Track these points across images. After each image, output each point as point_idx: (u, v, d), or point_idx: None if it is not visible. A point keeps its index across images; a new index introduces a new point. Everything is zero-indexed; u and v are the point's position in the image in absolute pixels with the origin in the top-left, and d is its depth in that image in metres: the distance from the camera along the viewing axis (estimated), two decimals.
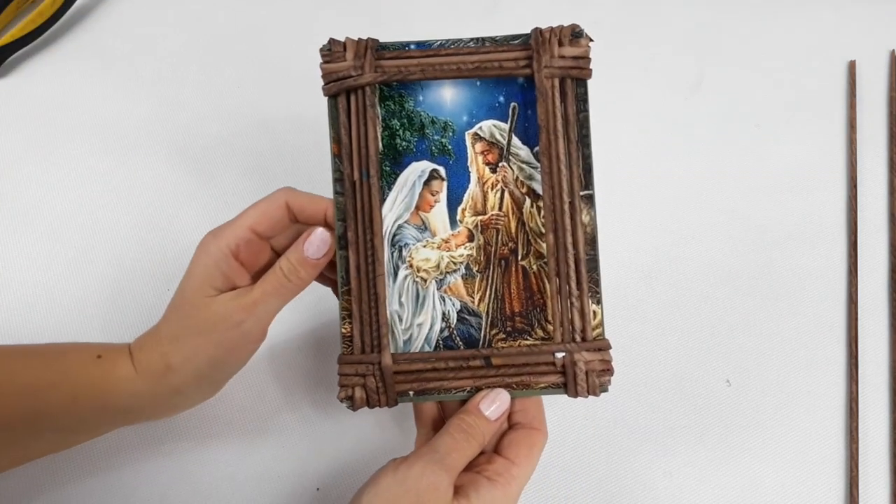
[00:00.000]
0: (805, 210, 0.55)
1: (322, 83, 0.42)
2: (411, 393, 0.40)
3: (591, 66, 0.42)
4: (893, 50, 0.61)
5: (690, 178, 0.56)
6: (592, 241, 0.41)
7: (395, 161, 0.42)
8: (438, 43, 0.42)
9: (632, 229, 0.54)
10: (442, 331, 0.41)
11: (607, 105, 0.60)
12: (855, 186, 0.55)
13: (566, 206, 0.41)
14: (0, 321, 0.52)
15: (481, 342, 0.41)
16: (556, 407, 0.48)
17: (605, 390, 0.41)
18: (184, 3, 0.65)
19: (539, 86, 0.41)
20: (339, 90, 0.42)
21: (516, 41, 0.42)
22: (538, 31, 0.42)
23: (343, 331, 0.41)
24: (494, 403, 0.40)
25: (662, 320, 0.51)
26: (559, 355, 0.40)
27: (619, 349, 0.50)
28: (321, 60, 0.42)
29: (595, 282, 0.41)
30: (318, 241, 0.41)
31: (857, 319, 0.51)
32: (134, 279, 0.53)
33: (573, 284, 0.41)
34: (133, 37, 0.63)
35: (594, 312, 0.41)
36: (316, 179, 0.56)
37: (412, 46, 0.42)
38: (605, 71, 0.62)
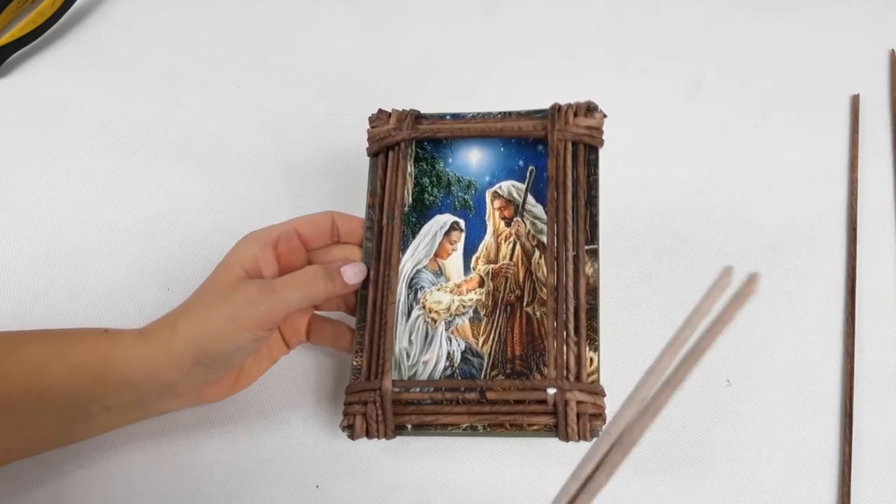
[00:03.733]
0: (805, 210, 0.55)
1: (366, 145, 0.48)
2: (409, 426, 0.42)
3: (603, 137, 0.46)
4: (893, 50, 0.61)
5: (690, 177, 0.56)
6: (594, 292, 0.44)
7: (421, 213, 0.46)
8: (471, 115, 0.48)
9: (632, 228, 0.54)
10: (445, 369, 0.43)
11: (607, 105, 0.60)
12: (855, 186, 0.55)
13: (570, 255, 0.44)
14: (0, 321, 0.52)
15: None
16: None
17: (597, 435, 0.41)
18: (184, 3, 0.65)
19: (551, 144, 0.46)
20: (379, 149, 0.48)
21: (538, 114, 0.47)
22: (557, 106, 0.47)
23: (354, 363, 0.44)
24: (356, 268, 0.44)
25: (662, 320, 0.51)
26: (551, 391, 0.41)
27: (619, 349, 0.50)
28: (369, 126, 0.49)
29: (594, 330, 0.43)
30: (357, 269, 0.45)
31: (854, 319, 0.50)
32: (134, 279, 0.53)
33: (571, 329, 0.43)
34: (133, 37, 0.63)
35: (591, 359, 0.42)
36: (314, 179, 0.56)
37: (448, 117, 0.48)
38: (606, 71, 0.62)
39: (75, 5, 0.64)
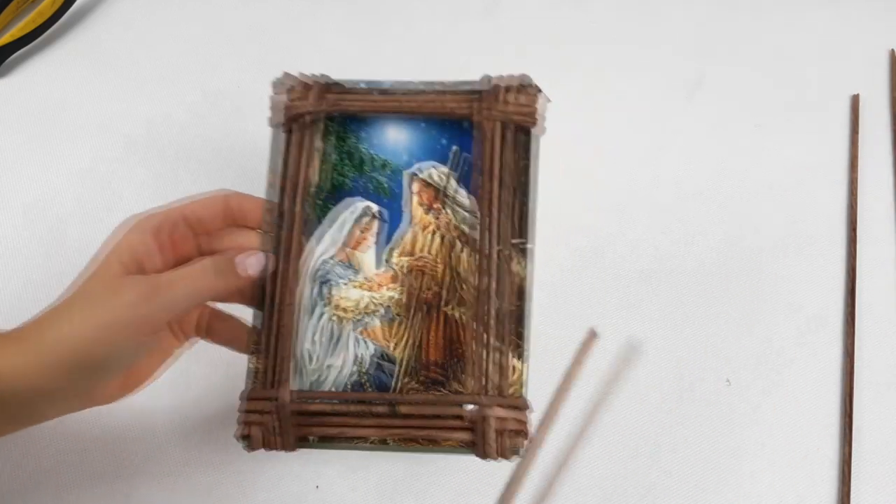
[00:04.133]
0: (805, 210, 0.55)
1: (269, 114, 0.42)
2: (312, 439, 0.38)
3: (539, 118, 0.41)
4: (893, 50, 0.61)
5: (690, 177, 0.56)
6: (521, 294, 0.39)
7: (330, 196, 0.41)
8: (390, 83, 0.42)
9: (631, 229, 0.54)
10: (353, 374, 0.39)
11: (607, 105, 0.60)
12: (855, 186, 0.55)
13: (495, 254, 0.39)
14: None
15: (392, 390, 0.39)
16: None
17: (518, 454, 0.38)
18: (184, 3, 0.65)
19: (478, 127, 0.41)
20: (282, 120, 0.42)
21: (466, 87, 0.42)
22: (487, 79, 0.42)
23: (250, 365, 0.40)
24: (253, 258, 0.39)
25: (662, 320, 0.51)
26: (469, 407, 0.38)
27: (619, 349, 0.50)
28: (272, 92, 0.42)
29: (520, 336, 0.39)
30: (255, 260, 0.39)
31: (854, 319, 0.50)
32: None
33: (493, 336, 0.39)
34: (133, 37, 0.63)
35: (514, 368, 0.39)
36: None
37: (362, 85, 0.42)
38: (606, 71, 0.62)
39: (75, 5, 0.64)
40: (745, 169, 0.56)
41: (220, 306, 0.43)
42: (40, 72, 0.61)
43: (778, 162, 0.56)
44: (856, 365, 0.49)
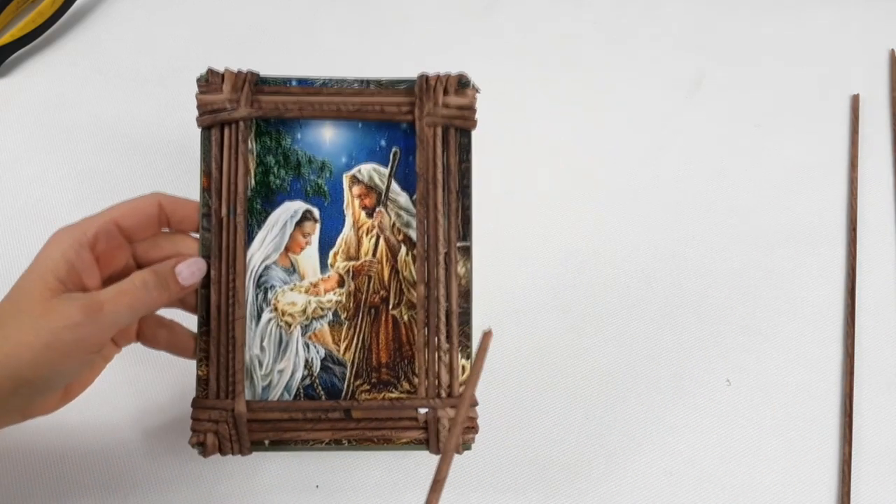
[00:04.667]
0: (805, 210, 0.55)
1: (196, 113, 0.41)
2: (266, 442, 0.39)
3: (477, 118, 0.41)
4: (893, 50, 0.61)
5: (690, 177, 0.56)
6: (466, 295, 0.40)
7: (267, 199, 0.40)
8: (322, 81, 0.41)
9: (631, 229, 0.54)
10: (303, 378, 0.39)
11: (607, 105, 0.60)
12: (855, 186, 0.55)
13: (441, 257, 0.40)
14: None
15: (344, 392, 0.40)
16: (555, 406, 0.48)
17: (469, 448, 0.40)
18: (184, 3, 0.65)
19: (420, 134, 0.40)
20: (212, 122, 0.40)
21: (402, 86, 0.41)
22: (423, 79, 0.41)
23: (199, 373, 0.40)
24: (194, 266, 0.38)
25: (662, 320, 0.51)
26: (422, 411, 0.39)
27: (619, 349, 0.50)
28: (197, 90, 0.41)
29: (466, 336, 0.40)
30: (194, 267, 0.39)
31: (854, 319, 0.50)
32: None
33: (443, 338, 0.39)
34: (133, 37, 0.63)
35: (463, 367, 0.40)
36: None
37: (294, 83, 0.41)
38: (606, 71, 0.62)
39: (75, 5, 0.64)
40: (745, 169, 0.56)
41: (160, 312, 0.42)
42: (40, 72, 0.61)
43: (778, 162, 0.56)
44: (856, 365, 0.49)
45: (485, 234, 0.54)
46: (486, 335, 0.27)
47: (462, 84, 0.41)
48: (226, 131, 0.40)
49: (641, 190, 0.56)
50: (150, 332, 0.41)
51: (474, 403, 0.40)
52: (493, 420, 0.47)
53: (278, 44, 0.63)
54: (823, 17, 0.63)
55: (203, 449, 0.39)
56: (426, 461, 0.47)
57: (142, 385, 0.48)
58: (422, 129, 0.40)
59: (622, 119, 0.59)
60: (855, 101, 0.58)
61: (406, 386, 0.39)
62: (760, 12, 0.63)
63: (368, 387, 0.39)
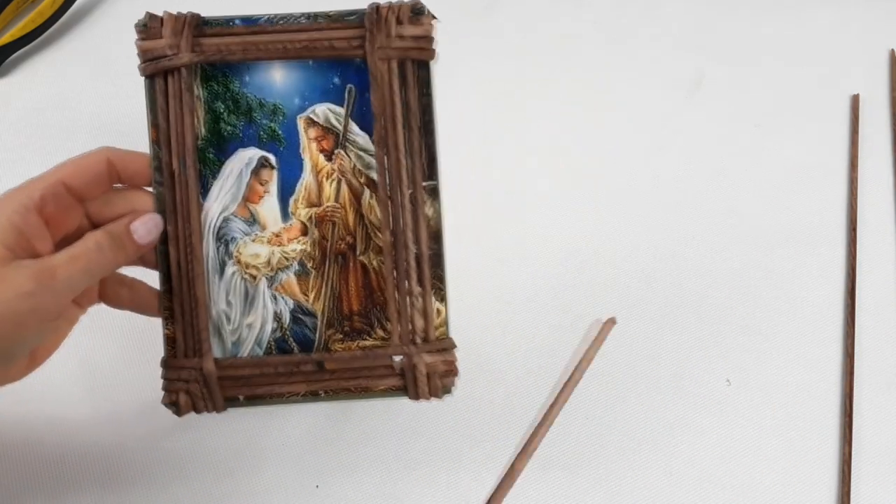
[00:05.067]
0: (805, 210, 0.55)
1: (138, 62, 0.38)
2: (241, 398, 0.38)
3: (435, 47, 0.38)
4: (893, 50, 0.61)
5: (690, 177, 0.56)
6: (437, 236, 0.38)
7: (219, 148, 0.38)
8: (266, 18, 0.38)
9: (631, 229, 0.54)
10: (274, 331, 0.38)
11: (607, 105, 0.60)
12: (855, 186, 0.55)
13: (406, 200, 0.38)
14: None
15: (316, 343, 0.38)
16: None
17: (449, 392, 0.39)
18: (184, 3, 0.65)
19: (372, 69, 0.37)
20: (155, 71, 0.38)
21: (352, 17, 0.38)
22: (375, 8, 0.38)
23: (166, 332, 0.39)
24: (150, 223, 0.37)
25: (662, 320, 0.51)
26: (397, 359, 0.38)
27: (619, 349, 0.50)
28: (137, 37, 0.38)
29: (439, 278, 0.38)
30: (150, 224, 0.37)
31: (854, 319, 0.50)
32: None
33: (414, 282, 0.38)
34: (133, 37, 0.63)
35: (438, 311, 0.38)
36: None
37: (237, 22, 0.38)
38: (606, 71, 0.62)
39: (75, 5, 0.64)
40: (745, 169, 0.56)
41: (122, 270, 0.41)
42: (40, 72, 0.61)
43: (778, 162, 0.57)
44: (856, 365, 0.49)
45: (484, 234, 0.54)
46: (609, 323, 0.27)
47: (416, 12, 0.38)
48: (169, 79, 0.38)
49: (641, 190, 0.56)
50: (112, 291, 0.40)
51: (454, 346, 0.39)
52: (493, 420, 0.47)
53: None
54: (823, 17, 0.63)
55: (177, 408, 0.38)
56: (425, 464, 0.47)
57: (142, 383, 0.48)
58: (374, 64, 0.37)
59: (622, 119, 0.59)
60: (855, 101, 0.58)
61: (380, 333, 0.38)
62: (760, 12, 0.63)
63: (341, 336, 0.38)
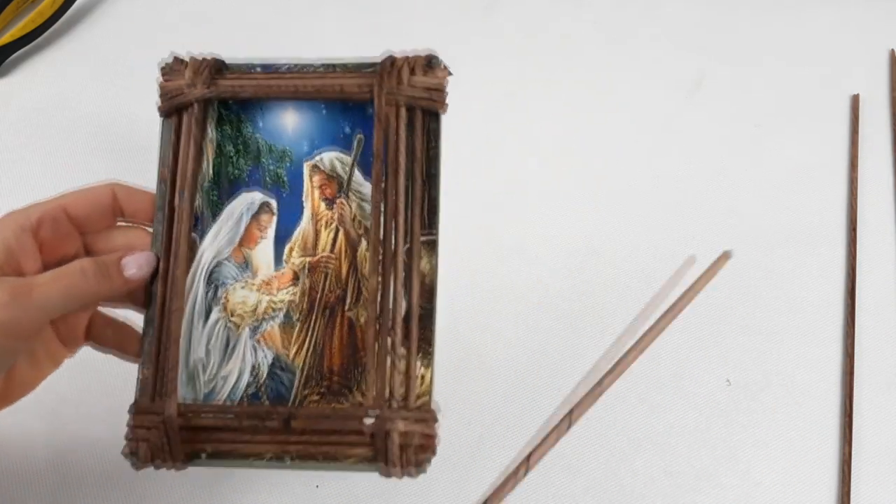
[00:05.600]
0: (805, 210, 0.55)
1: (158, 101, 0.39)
2: (204, 455, 0.35)
3: (448, 101, 0.37)
4: (893, 50, 0.61)
5: (690, 177, 0.56)
6: (430, 294, 0.36)
7: (224, 190, 0.38)
8: (287, 66, 0.38)
9: (631, 229, 0.54)
10: (249, 385, 0.36)
11: (607, 105, 0.60)
12: (855, 186, 0.55)
13: (400, 250, 0.36)
14: None
15: (290, 402, 0.36)
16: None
17: (424, 471, 0.35)
18: (184, 3, 0.65)
19: (378, 110, 0.36)
20: (170, 108, 0.38)
21: (368, 68, 0.38)
22: (391, 59, 0.37)
23: (140, 375, 0.36)
24: (142, 259, 0.36)
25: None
26: (368, 421, 0.34)
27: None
28: (160, 78, 0.39)
29: (428, 340, 0.35)
30: (142, 260, 0.36)
31: (854, 319, 0.50)
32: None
33: (398, 341, 0.35)
34: (133, 37, 0.63)
35: (422, 376, 0.35)
36: None
37: (258, 68, 0.38)
38: (606, 71, 0.62)
39: (75, 5, 0.64)
40: (745, 169, 0.56)
41: (112, 311, 0.40)
42: (40, 72, 0.61)
43: (778, 162, 0.56)
44: (856, 365, 0.49)
45: (485, 233, 0.54)
46: (724, 256, 0.25)
47: (431, 64, 0.37)
48: (183, 116, 0.38)
49: (641, 190, 0.56)
50: (98, 330, 0.39)
51: (436, 420, 0.35)
52: (493, 420, 0.47)
53: (279, 44, 0.63)
54: (823, 17, 0.63)
55: (136, 459, 0.35)
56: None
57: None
58: (380, 107, 0.36)
59: (622, 119, 0.59)
60: (855, 101, 0.58)
61: (358, 398, 0.35)
62: (760, 12, 0.63)
63: (318, 396, 0.36)
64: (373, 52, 0.63)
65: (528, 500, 0.46)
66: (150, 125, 0.59)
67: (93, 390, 0.48)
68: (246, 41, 0.63)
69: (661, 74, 0.60)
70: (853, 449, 0.47)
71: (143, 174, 0.57)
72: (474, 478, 0.46)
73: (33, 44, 0.62)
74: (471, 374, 0.49)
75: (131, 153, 0.58)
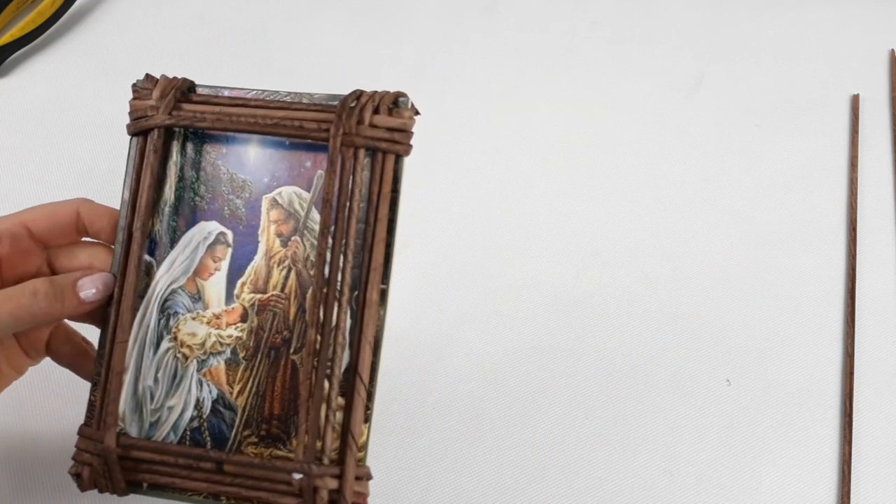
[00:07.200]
0: (805, 210, 0.55)
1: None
2: (144, 485, 0.35)
3: (411, 142, 0.35)
4: (893, 50, 0.61)
5: (690, 177, 0.56)
6: (375, 346, 0.34)
7: (185, 217, 0.37)
8: (254, 92, 0.37)
9: (632, 229, 0.54)
10: (192, 420, 0.35)
11: (607, 105, 0.60)
12: (855, 186, 0.55)
13: (345, 299, 0.34)
14: None
15: (230, 442, 0.35)
16: (555, 406, 0.48)
17: None
18: (184, 3, 0.65)
19: (331, 153, 0.34)
20: (136, 130, 0.37)
21: (335, 102, 0.36)
22: (357, 94, 0.36)
23: (91, 397, 0.36)
24: (99, 281, 0.35)
25: (662, 320, 0.51)
26: (297, 476, 0.33)
27: (619, 348, 0.50)
28: (132, 96, 0.38)
29: (368, 394, 0.34)
30: (98, 282, 0.36)
31: (854, 319, 0.50)
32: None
33: (335, 392, 0.34)
34: (133, 37, 0.63)
35: (359, 431, 0.34)
36: None
37: (225, 93, 0.37)
38: (606, 70, 0.62)
39: (75, 5, 0.64)
40: (745, 169, 0.56)
41: (78, 326, 0.40)
42: (40, 72, 0.61)
43: (778, 162, 0.57)
44: (856, 365, 0.49)
45: (485, 234, 0.54)
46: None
47: (398, 104, 0.35)
48: (150, 140, 0.37)
49: (641, 190, 0.56)
50: (57, 345, 0.39)
51: (369, 477, 0.34)
52: (493, 420, 0.47)
53: (279, 44, 0.63)
54: (823, 17, 0.63)
55: (80, 482, 0.35)
56: (423, 465, 0.47)
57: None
58: (334, 149, 0.34)
59: (622, 119, 0.59)
60: (855, 101, 0.58)
61: (296, 444, 0.34)
62: (760, 12, 0.63)
63: (256, 439, 0.35)
64: (374, 51, 0.64)
65: (529, 499, 0.46)
66: None
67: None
68: (245, 41, 0.63)
69: (661, 74, 0.60)
70: (853, 449, 0.47)
71: None
72: (472, 477, 0.46)
73: (33, 44, 0.62)
74: (471, 375, 0.49)
75: None
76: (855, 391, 0.48)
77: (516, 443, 0.47)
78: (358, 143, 0.34)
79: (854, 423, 0.47)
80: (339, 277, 0.34)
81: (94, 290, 0.35)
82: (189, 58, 0.62)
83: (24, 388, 0.46)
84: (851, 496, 0.45)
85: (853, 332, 0.50)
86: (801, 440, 0.47)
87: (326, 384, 0.34)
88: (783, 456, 0.47)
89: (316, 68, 0.62)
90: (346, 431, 0.34)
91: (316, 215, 0.36)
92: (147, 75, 0.38)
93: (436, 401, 0.48)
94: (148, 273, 0.37)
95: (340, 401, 0.34)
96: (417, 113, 0.36)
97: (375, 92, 0.35)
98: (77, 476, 0.35)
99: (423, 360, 0.49)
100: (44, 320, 0.35)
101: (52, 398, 0.47)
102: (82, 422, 0.36)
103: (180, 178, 0.37)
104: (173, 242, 0.37)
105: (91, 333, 0.39)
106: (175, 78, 0.37)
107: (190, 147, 0.37)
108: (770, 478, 0.46)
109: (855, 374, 0.49)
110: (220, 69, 0.62)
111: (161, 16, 0.64)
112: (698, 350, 0.50)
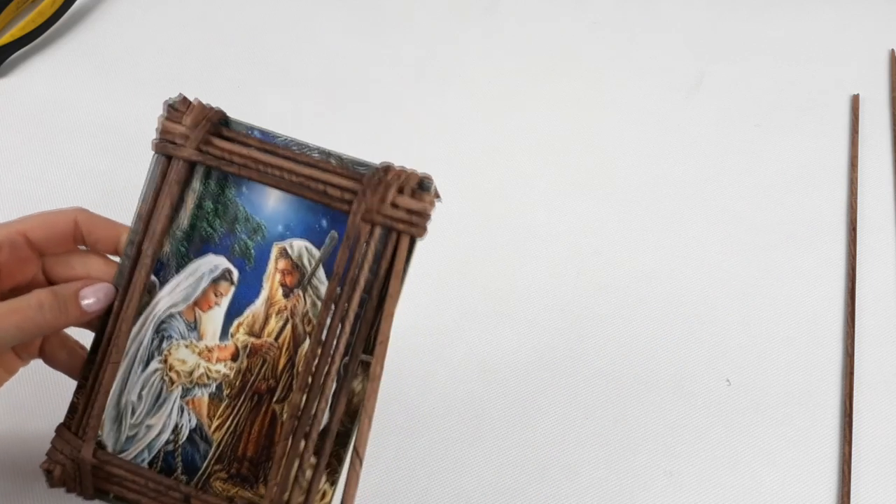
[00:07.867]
0: (805, 210, 0.55)
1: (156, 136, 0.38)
2: (111, 496, 0.36)
3: (428, 226, 0.35)
4: (893, 50, 0.61)
5: (690, 177, 0.56)
6: (354, 414, 0.35)
7: (195, 245, 0.37)
8: (284, 140, 0.37)
9: (632, 229, 0.54)
10: (168, 443, 0.36)
11: (607, 105, 0.60)
12: (855, 186, 0.55)
13: (334, 368, 0.35)
14: None
15: (200, 472, 0.36)
16: (555, 406, 0.48)
17: None
18: (184, 3, 0.65)
19: (349, 228, 0.35)
20: (163, 151, 0.38)
21: (362, 168, 0.36)
22: (385, 168, 0.35)
23: (73, 399, 0.37)
24: (101, 292, 0.36)
25: (662, 320, 0.51)
26: None
27: (619, 348, 0.50)
28: (163, 114, 0.38)
29: (339, 458, 0.35)
30: (100, 293, 0.36)
31: (854, 319, 0.51)
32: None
33: (310, 452, 0.35)
34: (133, 37, 0.63)
35: (324, 493, 0.35)
36: None
37: (256, 133, 0.37)
38: (606, 70, 0.62)
39: (75, 5, 0.64)
40: (745, 169, 0.56)
41: (70, 330, 0.40)
42: (40, 72, 0.61)
43: (778, 162, 0.57)
44: (856, 365, 0.49)
45: (485, 234, 0.54)
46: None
47: (422, 187, 0.35)
48: (172, 164, 0.37)
49: (641, 190, 0.56)
50: (51, 350, 0.39)
51: None
52: (493, 420, 0.47)
53: (279, 43, 0.63)
54: (823, 17, 0.63)
55: (50, 479, 0.36)
56: (423, 465, 0.47)
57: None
58: (353, 224, 0.35)
59: (622, 119, 0.59)
60: (855, 101, 0.58)
61: (262, 490, 0.35)
62: (760, 12, 0.63)
63: (226, 475, 0.36)
64: (374, 51, 0.63)
65: (529, 499, 0.46)
66: (150, 125, 0.59)
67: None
68: (245, 41, 0.63)
69: (661, 74, 0.61)
70: (853, 449, 0.47)
71: (142, 175, 0.57)
72: (473, 477, 0.46)
73: (33, 44, 0.62)
74: (471, 375, 0.49)
75: (131, 153, 0.58)
76: (855, 391, 0.48)
77: (516, 443, 0.47)
78: (377, 220, 0.35)
79: (854, 423, 0.47)
80: (334, 344, 0.35)
81: (95, 301, 0.36)
82: (189, 58, 0.62)
83: (24, 388, 0.46)
84: (851, 496, 0.45)
85: (853, 332, 0.50)
86: (801, 440, 0.47)
87: (302, 443, 0.35)
88: (783, 456, 0.47)
89: (316, 68, 0.62)
90: (311, 490, 0.35)
91: (321, 275, 0.36)
92: (182, 97, 0.38)
93: (436, 401, 0.48)
94: (150, 292, 0.37)
95: (313, 460, 0.35)
96: (439, 197, 0.35)
97: (403, 170, 0.35)
98: (48, 472, 0.36)
99: (423, 360, 0.49)
100: (47, 331, 0.35)
101: (53, 398, 0.47)
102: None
103: (198, 207, 0.37)
104: (179, 268, 0.37)
105: (84, 338, 0.39)
106: (209, 108, 0.38)
107: (211, 178, 0.37)
108: (770, 478, 0.46)
109: (855, 374, 0.49)
110: (220, 69, 0.62)
111: (161, 16, 0.64)
112: (698, 350, 0.50)
